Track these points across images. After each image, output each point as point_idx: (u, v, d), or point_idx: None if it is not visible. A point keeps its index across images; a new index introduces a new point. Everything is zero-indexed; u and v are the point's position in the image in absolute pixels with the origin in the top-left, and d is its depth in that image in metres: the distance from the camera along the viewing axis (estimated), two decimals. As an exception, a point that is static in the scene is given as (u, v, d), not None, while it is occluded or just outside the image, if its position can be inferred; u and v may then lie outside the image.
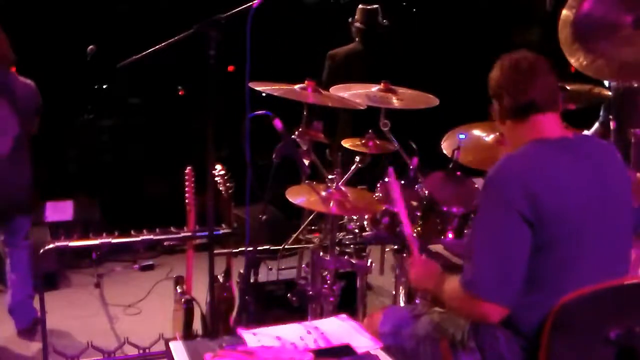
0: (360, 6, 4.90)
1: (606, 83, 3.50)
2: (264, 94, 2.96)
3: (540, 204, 1.87)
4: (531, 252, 1.90)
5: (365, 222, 3.15)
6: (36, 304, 3.17)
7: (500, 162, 2.00)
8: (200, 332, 3.28)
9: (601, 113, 3.63)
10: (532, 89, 2.01)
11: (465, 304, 1.97)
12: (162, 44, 2.64)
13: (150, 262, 5.08)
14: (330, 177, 2.96)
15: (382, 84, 3.34)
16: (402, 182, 3.05)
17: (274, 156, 2.79)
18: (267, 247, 4.06)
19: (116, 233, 3.27)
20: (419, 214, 2.91)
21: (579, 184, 1.94)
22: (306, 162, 3.02)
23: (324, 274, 2.97)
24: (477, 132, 3.04)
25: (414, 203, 2.92)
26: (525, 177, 1.91)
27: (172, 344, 1.96)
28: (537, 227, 1.88)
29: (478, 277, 1.92)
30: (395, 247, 3.09)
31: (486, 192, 2.00)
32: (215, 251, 2.74)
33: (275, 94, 2.98)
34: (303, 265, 3.22)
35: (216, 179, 3.16)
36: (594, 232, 1.94)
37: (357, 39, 4.89)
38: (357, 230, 3.25)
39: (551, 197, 1.89)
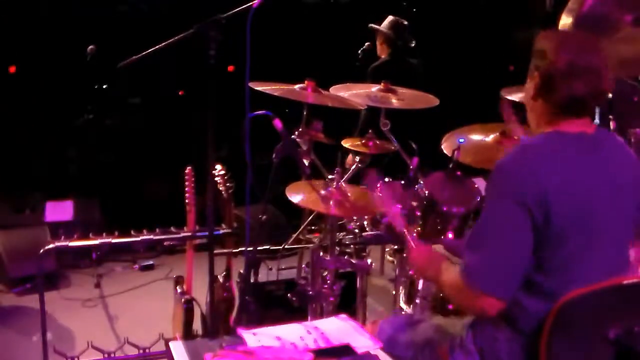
0: (390, 16, 4.91)
1: None
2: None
3: (551, 198, 1.83)
4: (538, 246, 1.87)
5: (365, 222, 3.15)
6: (36, 303, 3.17)
7: (513, 152, 1.94)
8: (200, 332, 3.28)
9: None
10: (600, 90, 1.91)
11: (464, 296, 1.93)
12: (162, 44, 2.64)
13: (150, 262, 5.07)
14: (330, 177, 2.96)
15: (382, 84, 3.34)
16: (402, 182, 3.05)
17: (274, 156, 2.79)
18: (267, 247, 4.06)
19: (116, 233, 3.26)
20: (419, 214, 2.91)
21: (592, 180, 1.90)
22: (306, 162, 3.02)
23: (324, 274, 2.97)
24: (476, 137, 3.04)
25: (414, 203, 2.92)
26: (538, 169, 1.85)
27: (172, 344, 1.96)
28: (544, 222, 1.84)
29: (479, 269, 1.87)
30: (395, 247, 3.09)
31: (495, 181, 1.93)
32: (215, 251, 2.74)
33: (275, 94, 2.98)
34: (303, 265, 3.22)
35: (216, 179, 3.15)
36: (601, 229, 1.91)
37: (383, 53, 4.89)
38: (357, 230, 3.25)
39: (563, 192, 1.84)
